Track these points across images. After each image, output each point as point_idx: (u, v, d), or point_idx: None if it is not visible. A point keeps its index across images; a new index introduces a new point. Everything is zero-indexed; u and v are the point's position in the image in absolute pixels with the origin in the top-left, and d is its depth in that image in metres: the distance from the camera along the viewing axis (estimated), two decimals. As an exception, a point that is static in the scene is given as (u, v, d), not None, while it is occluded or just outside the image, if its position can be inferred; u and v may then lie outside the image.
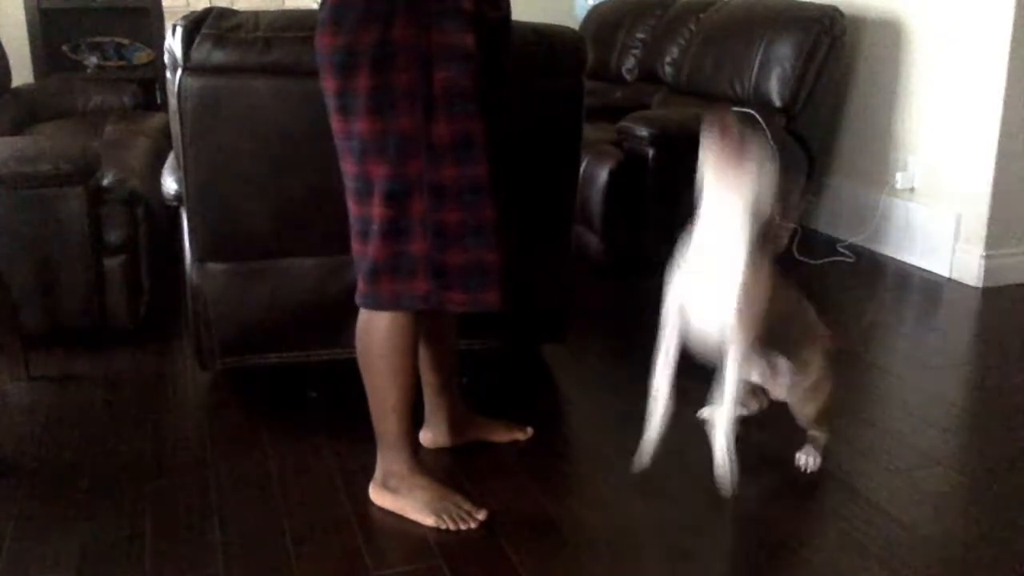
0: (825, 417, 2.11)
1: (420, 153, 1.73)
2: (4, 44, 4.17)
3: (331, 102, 1.77)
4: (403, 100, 1.70)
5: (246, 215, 2.26)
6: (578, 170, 2.51)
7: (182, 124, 2.16)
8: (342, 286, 2.31)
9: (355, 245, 1.85)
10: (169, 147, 2.85)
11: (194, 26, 2.13)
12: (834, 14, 3.66)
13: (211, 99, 2.15)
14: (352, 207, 1.83)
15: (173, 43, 2.16)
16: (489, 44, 1.77)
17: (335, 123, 1.79)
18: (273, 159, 2.22)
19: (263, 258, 2.32)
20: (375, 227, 1.78)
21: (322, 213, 2.25)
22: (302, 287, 2.35)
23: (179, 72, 2.14)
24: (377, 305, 1.84)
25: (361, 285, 1.85)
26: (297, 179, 2.24)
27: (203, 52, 2.12)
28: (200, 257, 2.31)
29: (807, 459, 2.14)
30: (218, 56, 2.12)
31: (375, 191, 1.77)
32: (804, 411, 2.10)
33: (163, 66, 2.32)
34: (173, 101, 2.21)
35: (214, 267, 2.31)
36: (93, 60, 4.78)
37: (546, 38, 2.31)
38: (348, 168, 1.81)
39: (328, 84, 1.76)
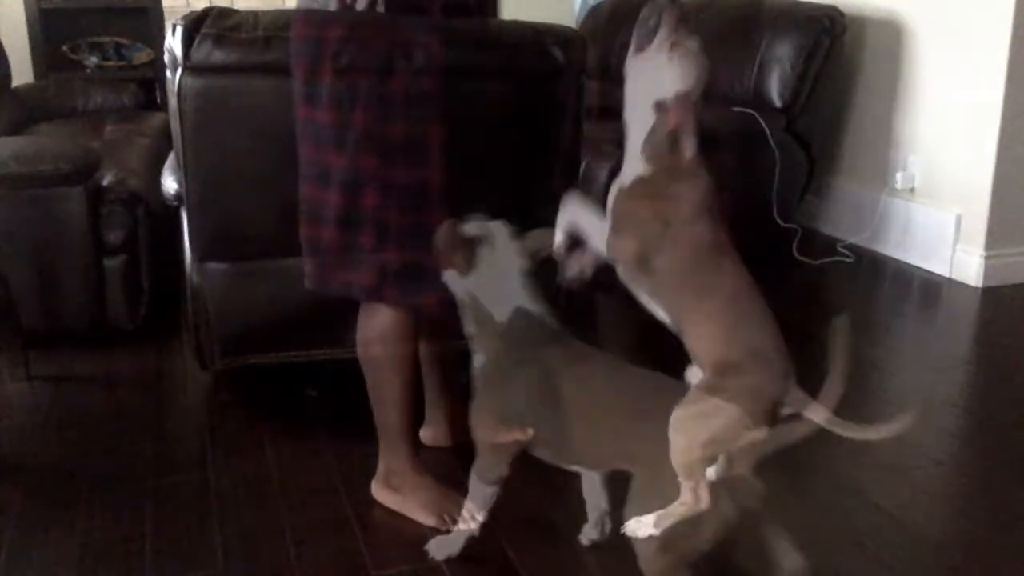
0: (691, 472, 1.35)
1: (375, 150, 1.75)
2: (4, 44, 4.16)
3: (298, 88, 1.81)
4: (363, 98, 1.73)
5: (246, 214, 2.25)
6: (578, 170, 2.50)
7: (182, 123, 2.16)
8: (342, 286, 2.31)
9: (305, 228, 1.87)
10: (169, 147, 2.85)
11: (194, 26, 2.12)
12: (834, 14, 3.66)
13: (211, 98, 2.15)
14: (306, 190, 1.86)
15: (173, 42, 2.16)
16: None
17: (300, 109, 1.82)
18: (273, 158, 2.21)
19: (263, 258, 2.31)
20: (330, 213, 1.81)
21: None
22: (302, 287, 2.34)
23: (179, 72, 2.14)
24: (327, 289, 1.88)
25: (310, 267, 1.88)
26: (297, 177, 2.23)
27: (203, 51, 2.11)
28: (200, 257, 2.30)
29: (634, 524, 1.43)
30: (218, 55, 2.12)
31: (332, 179, 1.79)
32: (670, 436, 1.36)
33: (163, 66, 2.32)
34: (173, 100, 2.21)
35: (214, 267, 2.31)
36: (93, 60, 4.78)
37: (547, 37, 2.31)
38: (307, 153, 1.84)
39: (297, 72, 1.80)
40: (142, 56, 4.86)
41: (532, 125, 2.30)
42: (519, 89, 2.18)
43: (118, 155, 3.17)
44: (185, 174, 2.22)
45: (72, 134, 3.59)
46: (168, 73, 2.27)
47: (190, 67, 2.12)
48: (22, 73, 4.49)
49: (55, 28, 4.69)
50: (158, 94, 4.73)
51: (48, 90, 4.31)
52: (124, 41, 4.86)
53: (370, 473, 2.00)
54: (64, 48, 4.75)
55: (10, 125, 3.83)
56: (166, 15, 4.70)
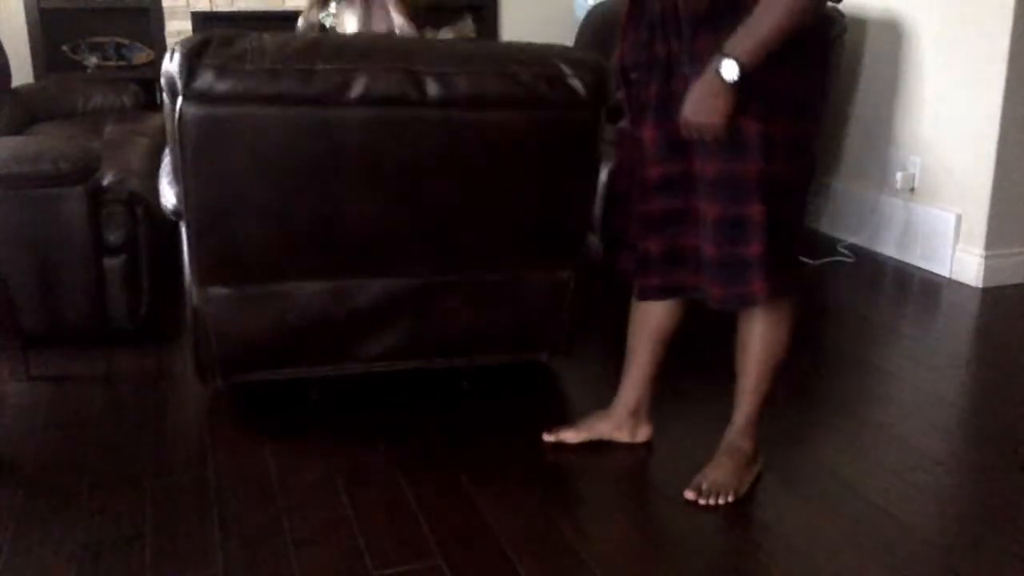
0: None
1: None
2: (4, 44, 4.16)
3: None
4: None
5: (249, 241, 2.18)
6: (592, 207, 2.47)
7: (182, 151, 2.06)
8: (347, 308, 2.28)
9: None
10: (169, 147, 2.84)
11: (196, 53, 1.99)
12: (834, 14, 3.66)
13: (213, 128, 2.04)
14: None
15: (171, 68, 2.02)
16: None
17: None
18: (278, 186, 2.12)
19: (267, 282, 2.25)
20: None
21: (328, 238, 2.19)
22: (306, 311, 2.29)
23: (179, 100, 2.02)
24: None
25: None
26: (303, 205, 2.15)
27: (205, 82, 1.99)
28: (201, 281, 2.24)
29: None
30: (221, 87, 1.99)
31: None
32: None
33: (162, 89, 2.20)
34: (170, 125, 2.10)
35: (216, 291, 2.24)
36: (93, 60, 4.78)
37: (572, 68, 2.19)
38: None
39: None
40: (142, 56, 4.86)
41: (548, 154, 2.25)
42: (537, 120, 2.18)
43: (118, 155, 3.17)
44: (186, 199, 2.13)
45: (72, 134, 3.59)
46: (165, 97, 2.12)
47: (191, 96, 2.00)
48: (22, 73, 4.49)
49: (55, 28, 4.69)
50: (158, 94, 4.73)
51: (48, 90, 4.31)
52: (124, 41, 4.86)
53: (370, 473, 2.00)
54: (64, 48, 4.75)
55: (10, 125, 3.83)
56: (166, 15, 4.70)
